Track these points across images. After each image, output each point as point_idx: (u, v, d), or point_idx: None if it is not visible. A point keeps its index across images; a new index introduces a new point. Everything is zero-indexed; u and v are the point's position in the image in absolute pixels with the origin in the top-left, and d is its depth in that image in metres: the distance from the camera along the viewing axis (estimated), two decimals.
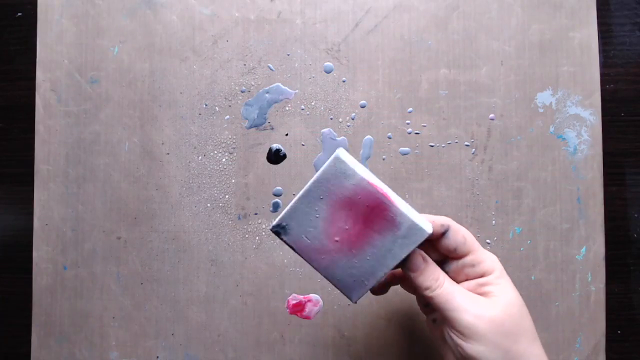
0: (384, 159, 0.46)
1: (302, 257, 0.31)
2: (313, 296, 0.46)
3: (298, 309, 0.46)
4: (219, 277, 0.47)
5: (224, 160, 0.47)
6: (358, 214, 0.29)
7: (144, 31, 0.48)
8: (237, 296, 0.47)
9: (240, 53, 0.47)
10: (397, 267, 0.30)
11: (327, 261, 0.30)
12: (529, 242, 0.45)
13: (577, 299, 0.45)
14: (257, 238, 0.47)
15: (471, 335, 0.27)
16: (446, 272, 0.31)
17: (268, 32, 0.47)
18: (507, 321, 0.27)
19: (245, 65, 0.47)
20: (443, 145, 0.46)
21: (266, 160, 0.47)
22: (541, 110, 0.46)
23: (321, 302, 0.46)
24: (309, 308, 0.46)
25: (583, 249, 0.45)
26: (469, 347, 0.27)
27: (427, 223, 0.29)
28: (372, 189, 0.28)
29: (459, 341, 0.28)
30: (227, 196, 0.47)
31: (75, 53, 0.48)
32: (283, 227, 0.31)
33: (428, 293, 0.29)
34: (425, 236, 0.28)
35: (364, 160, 0.46)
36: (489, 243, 0.45)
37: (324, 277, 0.31)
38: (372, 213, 0.29)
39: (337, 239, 0.30)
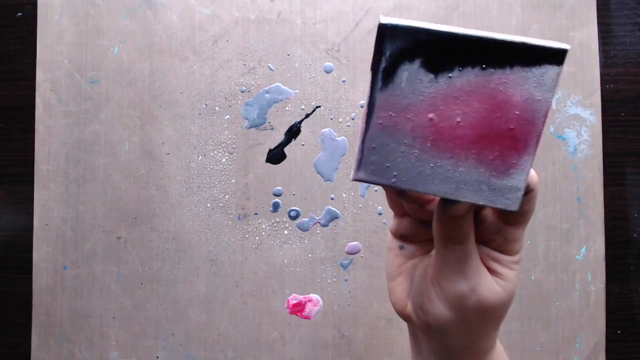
0: None
1: (377, 86, 0.21)
2: (313, 296, 0.46)
3: (298, 309, 0.46)
4: (219, 277, 0.47)
5: (224, 160, 0.47)
6: (491, 124, 0.20)
7: (144, 31, 0.48)
8: (237, 296, 0.47)
9: (240, 53, 0.47)
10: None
11: (394, 121, 0.21)
12: (529, 242, 0.45)
13: (577, 299, 0.45)
14: (257, 238, 0.47)
15: (454, 304, 0.25)
16: (479, 222, 0.26)
17: (268, 32, 0.47)
18: (495, 309, 0.25)
19: (245, 65, 0.47)
20: None
21: (265, 160, 0.47)
22: None
23: (321, 302, 0.46)
24: (309, 308, 0.46)
25: (583, 249, 0.45)
26: (439, 309, 0.25)
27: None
28: (539, 122, 0.20)
29: (434, 298, 0.25)
30: (227, 196, 0.47)
31: (75, 53, 0.48)
32: (412, 31, 0.20)
33: (448, 243, 0.24)
34: (509, 208, 0.21)
35: None
36: None
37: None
38: (503, 140, 0.21)
39: (435, 119, 0.21)
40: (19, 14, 0.50)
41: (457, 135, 0.21)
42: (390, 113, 0.21)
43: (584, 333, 0.45)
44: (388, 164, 0.22)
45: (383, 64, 0.20)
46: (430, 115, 0.21)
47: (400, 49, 0.20)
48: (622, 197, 0.47)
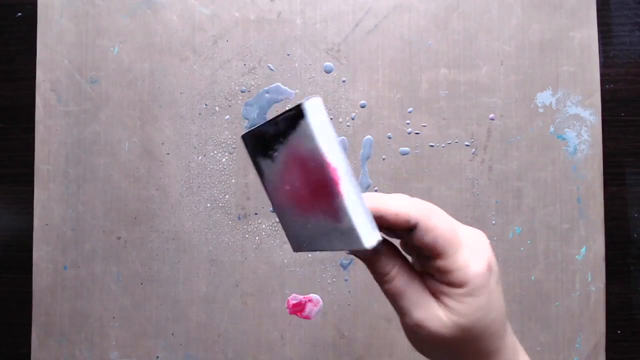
0: (384, 159, 0.46)
1: (261, 181, 0.27)
2: (313, 296, 0.46)
3: (298, 309, 0.46)
4: (219, 277, 0.47)
5: (224, 160, 0.47)
6: (308, 182, 0.24)
7: (144, 31, 0.48)
8: (237, 296, 0.47)
9: (240, 53, 0.47)
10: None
11: (277, 199, 0.26)
12: (529, 242, 0.45)
13: (577, 299, 0.45)
14: (257, 238, 0.47)
15: (412, 340, 0.25)
16: (417, 257, 0.27)
17: (268, 32, 0.47)
18: (454, 342, 0.24)
19: (245, 65, 0.47)
20: (443, 145, 0.46)
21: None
22: (541, 110, 0.46)
23: (321, 302, 0.46)
24: (309, 308, 0.46)
25: (583, 249, 0.45)
26: (414, 345, 0.26)
27: (372, 233, 0.23)
28: (325, 166, 0.23)
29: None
30: (227, 196, 0.47)
31: (75, 53, 0.48)
32: (248, 138, 0.26)
33: (378, 284, 0.26)
34: (361, 249, 0.23)
35: (364, 160, 0.46)
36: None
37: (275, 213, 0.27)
38: (319, 190, 0.24)
39: (288, 187, 0.25)
40: (19, 14, 0.50)
41: (301, 196, 0.25)
42: (275, 194, 0.26)
43: (584, 333, 0.45)
44: (296, 234, 0.26)
45: (253, 163, 0.27)
46: (286, 187, 0.25)
47: (252, 148, 0.26)
48: (622, 197, 0.47)
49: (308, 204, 0.25)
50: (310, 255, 0.46)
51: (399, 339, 0.46)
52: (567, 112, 0.46)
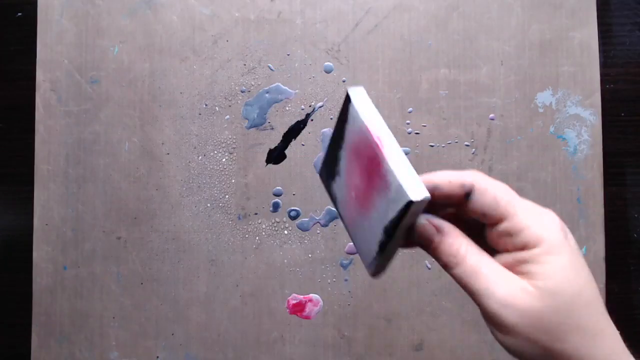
0: None
1: (336, 209, 0.27)
2: (313, 296, 0.46)
3: (298, 309, 0.46)
4: (219, 277, 0.47)
5: (224, 160, 0.47)
6: (363, 167, 0.24)
7: (144, 31, 0.48)
8: (237, 296, 0.47)
9: (240, 53, 0.47)
10: (403, 236, 0.24)
11: (349, 219, 0.26)
12: None
13: None
14: (257, 238, 0.47)
15: (499, 325, 0.22)
16: (485, 239, 0.24)
17: (268, 32, 0.47)
18: (549, 315, 0.21)
19: (245, 65, 0.47)
20: (443, 145, 0.46)
21: (266, 160, 0.47)
22: (541, 110, 0.46)
23: (321, 302, 0.46)
24: (309, 308, 0.46)
25: (583, 249, 0.45)
26: (499, 336, 0.22)
27: (419, 187, 0.22)
28: (369, 135, 0.23)
29: (490, 326, 0.22)
30: (227, 196, 0.47)
31: (75, 53, 0.48)
32: (321, 173, 0.27)
33: (447, 271, 0.23)
34: (405, 203, 0.22)
35: None
36: None
37: (351, 239, 0.26)
38: (370, 166, 0.23)
39: (353, 194, 0.25)
40: (19, 14, 0.50)
41: (361, 190, 0.25)
42: (346, 213, 0.26)
43: None
44: (367, 253, 0.25)
45: (329, 194, 0.28)
46: (352, 193, 0.25)
47: (326, 177, 0.27)
48: (622, 197, 0.47)
49: (367, 195, 0.24)
50: (310, 255, 0.46)
51: (399, 339, 0.46)
52: (567, 112, 0.46)
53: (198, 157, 0.47)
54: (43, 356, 0.47)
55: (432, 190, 0.23)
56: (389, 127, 0.26)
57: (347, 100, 0.24)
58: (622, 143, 0.47)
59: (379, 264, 0.25)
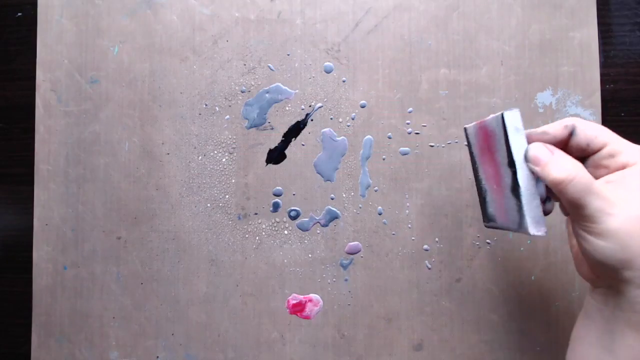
0: (384, 159, 0.46)
1: (504, 229, 0.32)
2: (313, 296, 0.46)
3: (298, 309, 0.46)
4: (219, 277, 0.47)
5: (224, 160, 0.47)
6: (484, 151, 0.32)
7: (144, 31, 0.48)
8: (237, 296, 0.47)
9: (240, 53, 0.48)
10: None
11: (500, 211, 0.32)
12: (528, 242, 0.45)
13: (577, 299, 0.45)
14: (257, 238, 0.47)
15: (599, 230, 0.24)
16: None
17: (268, 32, 0.47)
18: None
19: (245, 65, 0.47)
20: (443, 145, 0.46)
21: (266, 160, 0.47)
22: (541, 110, 0.46)
23: (321, 302, 0.46)
24: (309, 308, 0.46)
25: None
26: (591, 242, 0.24)
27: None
28: (480, 125, 0.32)
29: (584, 234, 0.25)
30: (227, 196, 0.47)
31: (75, 53, 0.48)
32: (484, 222, 0.35)
33: (562, 188, 0.25)
34: (516, 111, 0.28)
35: (364, 160, 0.46)
36: (489, 243, 0.45)
37: (511, 230, 0.31)
38: (486, 143, 0.31)
39: (493, 185, 0.32)
40: (19, 14, 0.50)
41: (496, 181, 0.32)
42: (482, 176, 0.34)
43: None
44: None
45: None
46: (489, 169, 0.33)
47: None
48: None
49: (495, 170, 0.31)
50: (310, 255, 0.46)
51: (399, 339, 0.46)
52: (567, 112, 0.46)
53: (198, 157, 0.47)
54: (43, 356, 0.47)
55: (542, 135, 0.28)
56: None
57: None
58: None
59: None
